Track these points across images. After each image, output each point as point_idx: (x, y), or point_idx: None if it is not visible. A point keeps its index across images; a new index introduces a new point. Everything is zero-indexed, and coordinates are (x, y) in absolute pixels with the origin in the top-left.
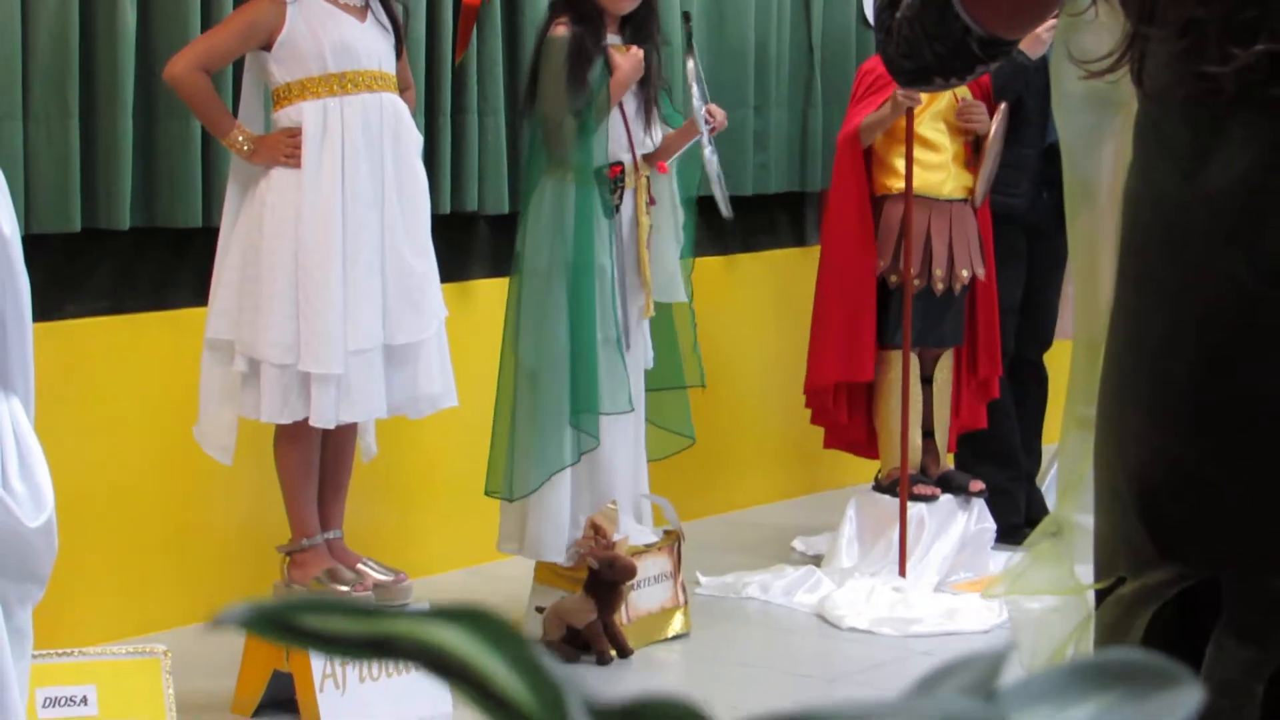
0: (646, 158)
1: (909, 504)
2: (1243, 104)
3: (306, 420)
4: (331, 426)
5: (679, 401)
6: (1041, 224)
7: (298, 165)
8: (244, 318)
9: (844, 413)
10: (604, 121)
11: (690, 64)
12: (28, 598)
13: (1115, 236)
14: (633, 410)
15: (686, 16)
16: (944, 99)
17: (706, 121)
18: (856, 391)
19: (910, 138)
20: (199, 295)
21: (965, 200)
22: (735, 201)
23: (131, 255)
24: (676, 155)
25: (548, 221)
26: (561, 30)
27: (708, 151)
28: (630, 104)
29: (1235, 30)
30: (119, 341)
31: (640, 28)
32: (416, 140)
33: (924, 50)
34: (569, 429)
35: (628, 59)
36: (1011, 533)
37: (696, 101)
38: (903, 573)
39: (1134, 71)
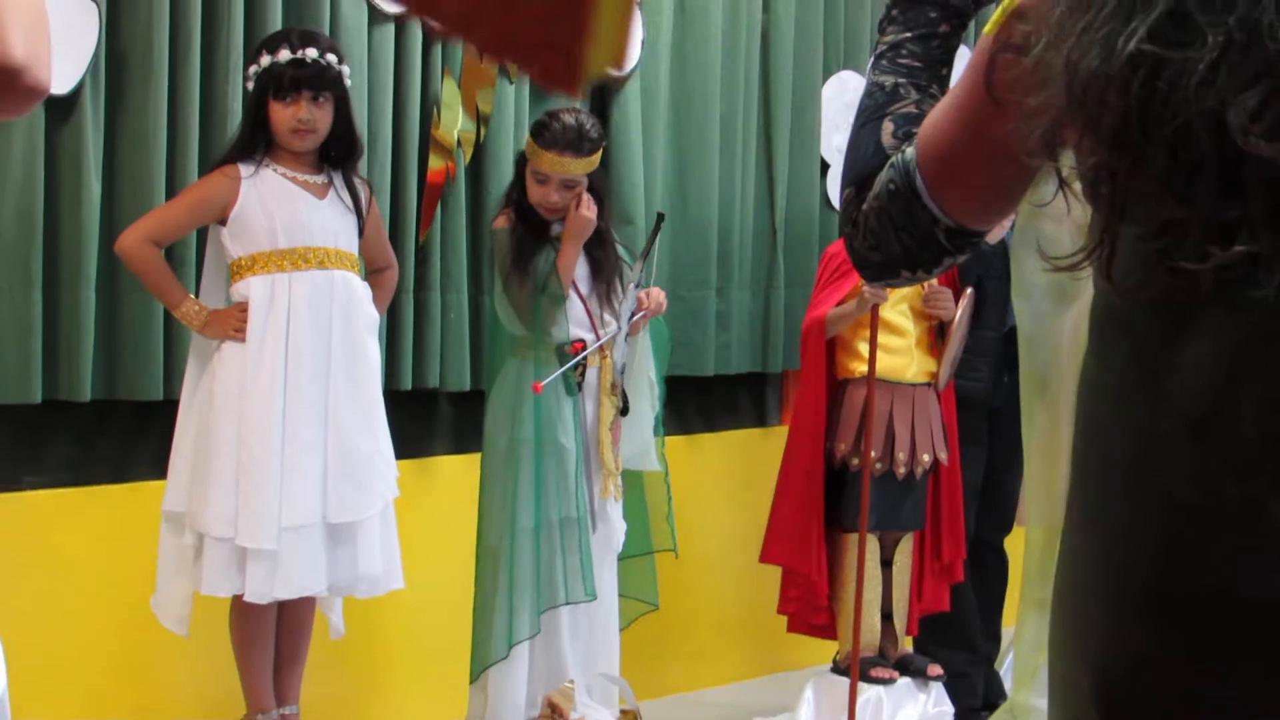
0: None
1: (867, 686)
2: (1216, 301)
3: None
4: (265, 602)
5: (645, 568)
6: (1002, 408)
7: (245, 339)
8: (194, 491)
9: (824, 594)
10: (560, 305)
11: (638, 267)
12: None
13: (1070, 426)
14: (595, 599)
15: (660, 216)
16: None
17: (636, 310)
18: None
19: (875, 328)
20: (159, 468)
21: (929, 384)
22: (698, 381)
23: (92, 427)
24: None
25: (509, 401)
26: (502, 222)
27: (621, 339)
28: (585, 288)
29: (1215, 230)
30: (79, 513)
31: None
32: (370, 318)
33: (892, 242)
34: (527, 613)
35: (570, 224)
36: (969, 716)
37: (630, 291)
38: None
39: (1103, 266)
